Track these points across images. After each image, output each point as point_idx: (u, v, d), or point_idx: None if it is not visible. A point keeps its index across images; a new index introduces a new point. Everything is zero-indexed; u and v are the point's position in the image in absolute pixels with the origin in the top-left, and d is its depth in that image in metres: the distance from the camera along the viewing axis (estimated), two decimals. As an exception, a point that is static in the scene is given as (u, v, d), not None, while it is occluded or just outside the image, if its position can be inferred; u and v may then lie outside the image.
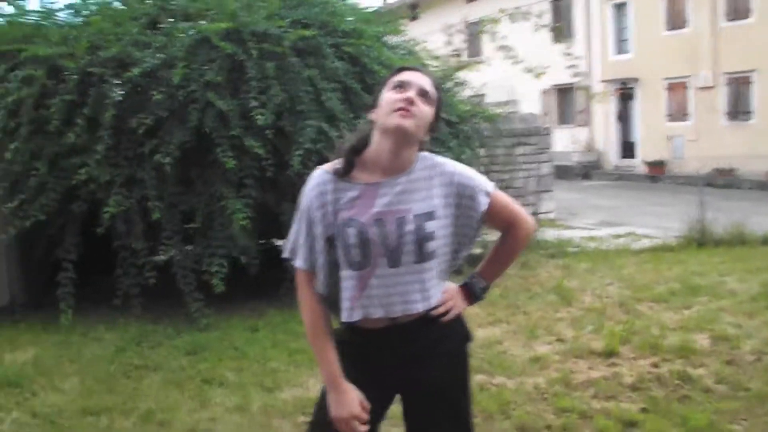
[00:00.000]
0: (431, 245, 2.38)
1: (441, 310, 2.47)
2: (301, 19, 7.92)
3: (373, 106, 2.45)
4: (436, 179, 2.45)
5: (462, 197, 2.46)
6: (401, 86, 2.38)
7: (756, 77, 23.13)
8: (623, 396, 5.00)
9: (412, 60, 8.91)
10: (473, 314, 7.15)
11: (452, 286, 2.57)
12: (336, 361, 2.43)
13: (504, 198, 2.58)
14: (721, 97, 24.19)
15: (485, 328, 6.79)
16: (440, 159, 2.52)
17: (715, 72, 24.15)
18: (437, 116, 2.47)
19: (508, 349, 6.15)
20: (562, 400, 4.87)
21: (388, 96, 2.39)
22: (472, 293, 2.61)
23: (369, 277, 2.37)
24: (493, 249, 2.65)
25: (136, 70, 7.15)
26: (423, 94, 2.39)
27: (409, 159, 2.43)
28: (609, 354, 5.84)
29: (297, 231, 2.50)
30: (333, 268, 2.43)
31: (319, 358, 2.46)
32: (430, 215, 2.39)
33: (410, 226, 2.36)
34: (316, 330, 2.46)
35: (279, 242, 2.88)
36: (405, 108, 2.34)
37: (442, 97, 2.52)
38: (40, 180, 7.16)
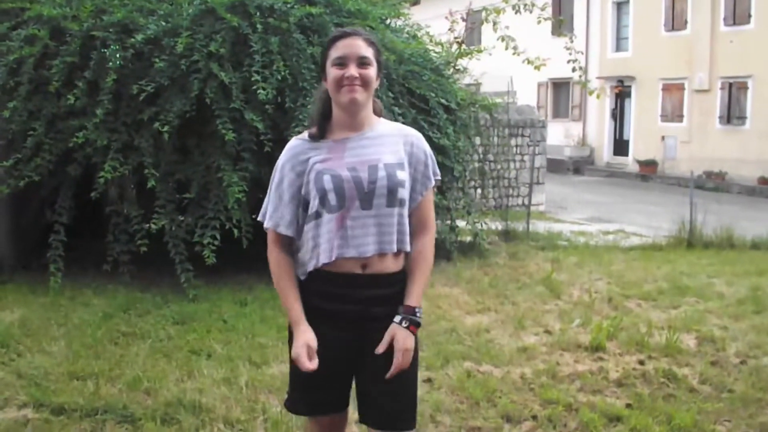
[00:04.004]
0: (401, 192, 2.63)
1: (397, 367, 2.64)
2: (308, -4, 7.88)
3: (322, 74, 2.69)
4: (401, 139, 2.73)
5: (418, 163, 2.74)
6: (341, 63, 2.60)
7: (752, 83, 23.19)
8: (608, 391, 5.03)
9: (415, 45, 8.88)
10: (462, 301, 7.21)
11: (393, 332, 2.66)
12: (298, 305, 2.65)
13: (430, 203, 2.81)
14: (717, 101, 24.23)
15: (473, 316, 6.82)
16: (404, 126, 2.84)
17: (712, 75, 24.20)
18: (379, 66, 2.69)
19: (496, 337, 6.17)
20: (548, 391, 4.89)
21: (333, 73, 2.61)
22: (413, 323, 2.68)
23: (344, 218, 2.58)
24: (413, 270, 2.74)
25: (139, 37, 7.12)
26: (362, 61, 2.61)
27: (368, 115, 2.70)
28: (596, 348, 5.87)
29: (269, 195, 2.72)
30: (302, 221, 2.67)
31: (284, 303, 2.69)
32: (400, 165, 2.66)
33: (382, 173, 2.60)
34: (281, 278, 2.68)
35: (259, 219, 2.92)
36: (350, 84, 2.58)
37: (378, 44, 2.74)
38: (37, 140, 7.12)
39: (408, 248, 2.70)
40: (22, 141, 7.19)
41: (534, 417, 4.50)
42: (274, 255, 2.71)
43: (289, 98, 7.18)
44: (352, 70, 2.58)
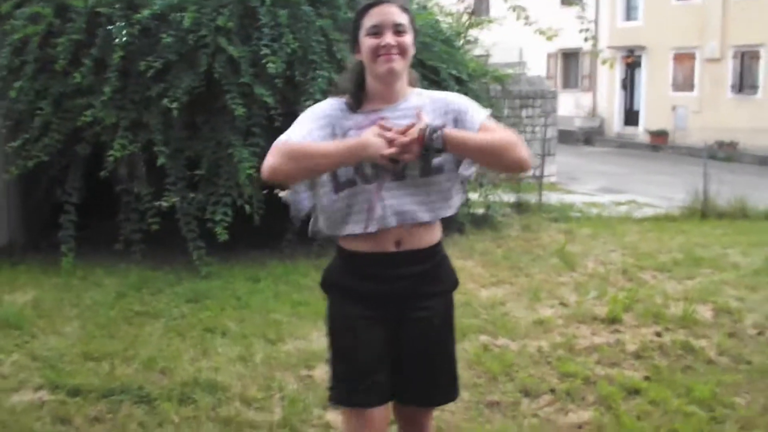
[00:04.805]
0: (436, 160, 2.48)
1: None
2: (317, -32, 7.78)
3: (354, 45, 2.58)
4: (436, 105, 2.59)
5: (457, 121, 2.57)
6: (376, 32, 2.48)
7: (764, 52, 22.97)
8: (626, 363, 4.98)
9: (425, 15, 8.78)
10: (476, 274, 7.17)
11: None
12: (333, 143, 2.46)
13: (495, 124, 2.60)
14: (728, 70, 24.02)
15: (488, 289, 6.78)
16: (437, 92, 2.72)
17: (724, 44, 23.96)
18: (415, 33, 2.58)
19: (511, 310, 6.13)
20: (566, 364, 4.85)
21: (367, 43, 2.50)
22: (433, 129, 2.42)
23: (380, 189, 2.49)
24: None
25: (145, 12, 7.06)
26: (397, 29, 2.50)
27: (403, 87, 2.59)
28: (612, 321, 5.83)
29: (292, 127, 2.53)
30: (332, 191, 2.53)
31: (321, 153, 2.42)
32: None
33: None
34: (296, 146, 2.43)
35: (282, 193, 2.86)
36: (387, 53, 2.47)
37: (412, 11, 2.60)
38: (45, 120, 7.07)
39: (447, 214, 2.61)
40: (29, 121, 7.15)
41: (552, 390, 4.46)
42: (279, 144, 2.46)
43: (298, 71, 7.11)
44: (389, 38, 2.47)
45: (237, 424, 3.91)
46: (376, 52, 2.47)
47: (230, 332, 5.38)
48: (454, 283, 2.76)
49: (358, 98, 2.57)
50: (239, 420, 3.96)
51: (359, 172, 2.49)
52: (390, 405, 2.68)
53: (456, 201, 2.64)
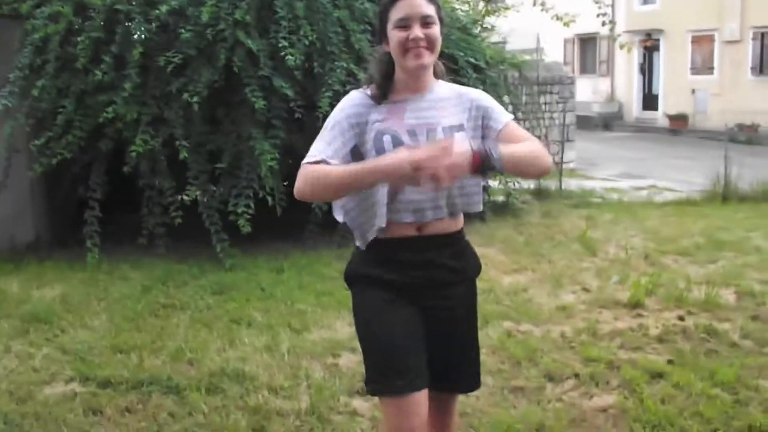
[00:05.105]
0: None
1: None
2: (332, -41, 7.81)
3: (382, 36, 2.56)
4: (461, 100, 2.60)
5: (481, 119, 2.59)
6: (404, 25, 2.46)
7: (785, 32, 22.76)
8: (649, 347, 4.99)
9: (442, 3, 8.77)
10: (498, 261, 7.20)
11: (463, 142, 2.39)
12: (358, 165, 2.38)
13: (519, 129, 2.63)
14: (748, 52, 23.82)
15: (510, 275, 6.80)
16: (462, 87, 2.71)
17: (743, 25, 23.77)
18: (442, 23, 2.54)
19: (534, 296, 6.16)
20: (589, 349, 4.87)
21: (396, 36, 2.47)
22: (480, 153, 2.32)
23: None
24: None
25: (164, 8, 7.10)
26: (425, 21, 2.47)
27: (429, 77, 2.58)
28: (634, 305, 5.84)
29: (322, 136, 2.50)
30: None
31: (346, 176, 2.36)
32: (459, 127, 2.53)
33: (440, 136, 2.47)
34: (329, 171, 2.38)
35: None
36: (416, 47, 2.45)
37: (439, 1, 2.57)
38: (67, 117, 7.14)
39: (472, 210, 2.62)
40: (52, 119, 7.23)
41: (576, 375, 4.49)
42: (308, 167, 2.42)
43: (317, 63, 7.15)
44: (417, 31, 2.45)
45: (265, 413, 3.97)
46: (405, 46, 2.46)
47: (256, 322, 5.44)
48: (478, 269, 2.75)
49: (385, 89, 2.55)
50: (267, 408, 4.02)
51: None
52: (426, 394, 2.56)
53: (479, 198, 2.64)
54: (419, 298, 2.57)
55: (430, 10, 2.47)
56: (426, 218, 2.52)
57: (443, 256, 2.59)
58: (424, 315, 2.58)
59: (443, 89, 2.62)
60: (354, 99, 2.58)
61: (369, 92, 2.57)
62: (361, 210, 2.57)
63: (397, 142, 2.44)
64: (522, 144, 2.51)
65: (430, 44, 2.47)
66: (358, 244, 2.63)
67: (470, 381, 2.78)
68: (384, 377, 2.50)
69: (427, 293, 2.58)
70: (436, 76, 2.63)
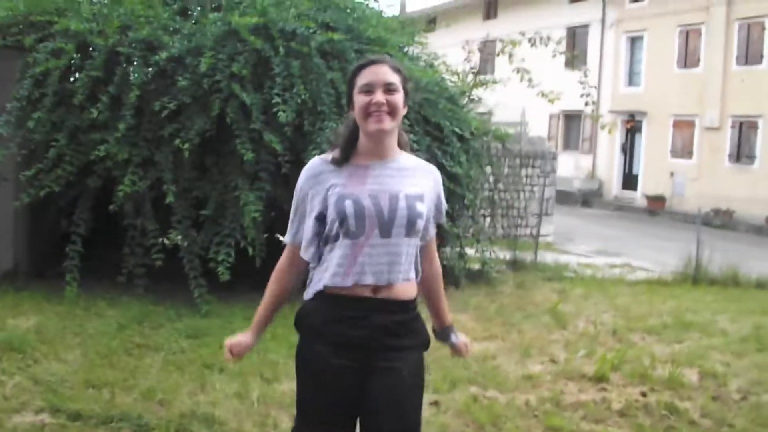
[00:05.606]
0: (420, 223, 2.66)
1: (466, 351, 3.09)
2: (329, 22, 8.06)
3: (349, 102, 2.71)
4: (424, 173, 2.78)
5: (437, 198, 2.82)
6: (368, 90, 2.61)
7: (762, 122, 23.29)
8: (611, 420, 5.11)
9: (431, 74, 9.04)
10: (469, 327, 7.29)
11: (457, 345, 3.07)
12: (264, 313, 2.84)
13: (434, 243, 2.96)
14: (727, 139, 24.35)
15: (480, 342, 6.90)
16: (428, 164, 2.88)
17: (723, 113, 24.33)
18: (406, 92, 2.70)
19: (502, 364, 6.26)
20: (552, 418, 4.98)
21: (360, 100, 2.62)
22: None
23: (363, 245, 2.60)
24: (437, 291, 3.01)
25: (163, 54, 7.28)
26: (388, 88, 2.62)
27: (393, 145, 2.72)
28: (599, 379, 5.95)
29: (292, 214, 2.76)
30: (320, 242, 2.68)
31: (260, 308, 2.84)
32: (420, 197, 2.68)
33: (402, 203, 2.62)
34: (270, 284, 2.82)
35: (283, 238, 2.99)
36: (378, 112, 2.59)
37: (404, 72, 2.74)
38: (59, 152, 7.26)
39: (416, 276, 2.77)
40: (44, 151, 7.34)
41: (538, 443, 4.60)
42: (281, 265, 2.81)
43: (307, 121, 7.34)
44: (379, 96, 2.58)
45: (232, 458, 4.05)
46: (367, 110, 2.59)
47: (228, 369, 5.50)
48: (427, 341, 2.81)
49: (347, 153, 2.67)
50: (234, 454, 4.10)
51: (344, 227, 2.59)
52: None
53: (418, 265, 2.81)
54: (365, 357, 2.63)
55: (394, 78, 2.64)
56: (381, 281, 2.63)
57: (395, 319, 2.66)
58: (368, 376, 2.63)
59: (407, 160, 2.76)
60: (313, 168, 2.72)
61: (330, 158, 2.71)
62: (320, 267, 2.70)
63: (358, 207, 2.58)
64: (442, 295, 3.02)
65: (391, 110, 2.61)
66: (306, 292, 2.75)
67: None
68: (301, 427, 2.77)
69: (374, 354, 2.63)
70: (401, 147, 2.76)
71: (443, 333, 3.04)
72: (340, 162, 2.67)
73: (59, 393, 4.78)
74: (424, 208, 2.67)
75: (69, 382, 5.01)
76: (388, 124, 2.62)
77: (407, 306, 2.71)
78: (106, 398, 4.75)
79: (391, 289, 2.64)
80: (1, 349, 5.57)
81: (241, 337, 2.83)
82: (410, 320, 2.73)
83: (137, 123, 7.36)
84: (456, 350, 3.04)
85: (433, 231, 2.86)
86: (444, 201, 2.87)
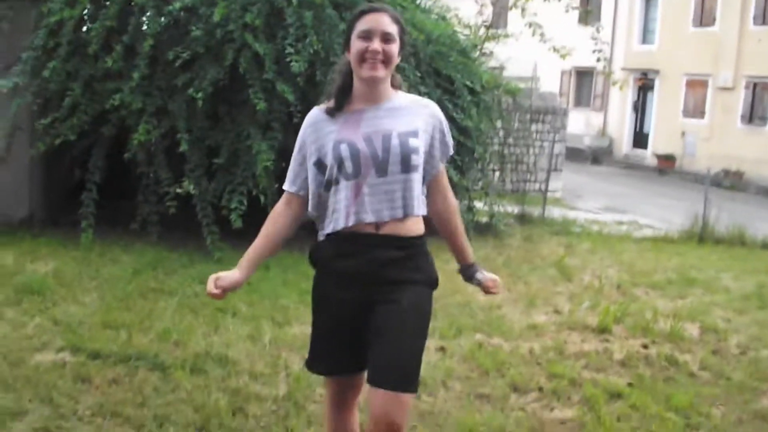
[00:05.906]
0: (415, 158, 2.72)
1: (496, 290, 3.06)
2: (342, -27, 8.07)
3: (346, 45, 2.76)
4: (420, 110, 2.83)
5: (436, 131, 2.85)
6: (366, 36, 2.67)
7: (777, 83, 23.14)
8: (612, 370, 5.24)
9: (443, 26, 9.05)
10: (476, 279, 7.39)
11: (484, 281, 3.04)
12: (254, 254, 2.89)
13: (445, 176, 2.97)
14: (740, 100, 24.19)
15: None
16: (424, 99, 2.96)
17: (737, 74, 24.14)
18: (402, 44, 2.77)
19: (507, 314, 6.40)
20: (555, 366, 5.12)
21: (357, 46, 2.68)
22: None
23: (361, 185, 2.69)
24: (456, 226, 3.00)
25: (176, 4, 7.35)
26: (386, 37, 2.69)
27: (386, 89, 2.78)
28: (602, 330, 6.08)
29: (292, 162, 2.87)
30: (322, 189, 2.78)
31: (250, 247, 2.90)
32: (414, 133, 2.74)
33: (395, 141, 2.70)
34: (265, 225, 2.90)
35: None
36: (373, 59, 2.66)
37: (403, 23, 2.80)
38: (74, 101, 7.36)
39: (421, 212, 2.79)
40: (59, 101, 7.45)
41: (540, 389, 4.72)
42: (276, 207, 2.91)
43: (320, 71, 7.39)
44: (376, 44, 2.65)
45: (245, 395, 4.19)
46: (363, 56, 2.66)
47: (241, 313, 5.66)
48: (432, 279, 2.85)
49: (341, 102, 2.76)
50: (247, 392, 4.24)
51: (341, 170, 2.69)
52: (363, 374, 2.83)
53: (423, 199, 2.83)
54: (367, 290, 2.72)
55: (393, 29, 2.71)
56: (383, 218, 2.71)
57: (397, 255, 2.74)
58: (371, 309, 2.72)
59: (402, 99, 2.83)
60: (312, 117, 2.83)
61: (326, 108, 2.80)
62: (326, 212, 2.80)
63: (353, 150, 2.69)
64: (462, 231, 2.98)
65: (386, 59, 2.69)
66: (320, 233, 2.86)
67: (404, 379, 2.65)
68: (313, 359, 2.96)
69: (376, 288, 2.72)
70: (394, 87, 2.84)
71: (467, 270, 3.04)
72: (333, 112, 2.76)
73: (78, 333, 4.94)
74: (418, 143, 2.73)
75: (87, 323, 5.17)
76: (382, 72, 2.70)
77: (411, 242, 2.77)
78: (123, 338, 4.90)
79: (394, 225, 2.72)
80: (21, 291, 5.74)
81: (227, 273, 2.83)
82: (414, 255, 2.78)
83: (151, 72, 7.44)
84: (484, 288, 3.03)
85: (439, 165, 2.89)
86: (448, 133, 2.90)
